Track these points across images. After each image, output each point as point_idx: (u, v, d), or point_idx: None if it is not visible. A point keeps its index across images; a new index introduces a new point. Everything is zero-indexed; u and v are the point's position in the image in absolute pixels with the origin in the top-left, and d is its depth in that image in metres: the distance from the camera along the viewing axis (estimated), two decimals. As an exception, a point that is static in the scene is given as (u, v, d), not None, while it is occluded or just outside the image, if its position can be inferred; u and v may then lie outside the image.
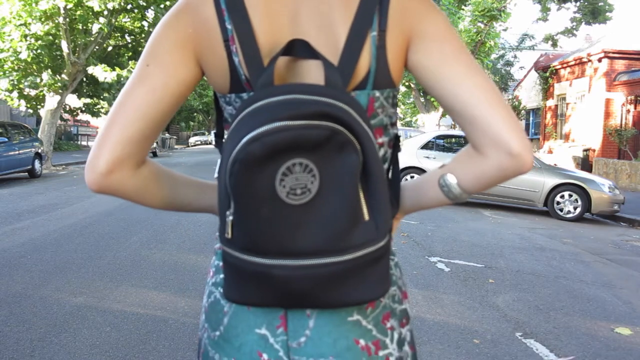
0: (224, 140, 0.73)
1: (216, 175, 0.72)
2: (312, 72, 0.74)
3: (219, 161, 0.70)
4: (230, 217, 0.66)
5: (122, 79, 15.47)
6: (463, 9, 19.57)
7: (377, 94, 0.76)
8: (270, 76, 0.68)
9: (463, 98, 0.73)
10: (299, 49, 0.70)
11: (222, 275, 0.79)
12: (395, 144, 0.83)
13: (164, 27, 0.77)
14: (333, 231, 0.65)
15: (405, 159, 10.04)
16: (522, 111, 23.56)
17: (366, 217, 0.67)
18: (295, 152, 0.62)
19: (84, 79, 18.46)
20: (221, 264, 0.78)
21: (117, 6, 14.33)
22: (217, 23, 0.74)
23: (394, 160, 0.82)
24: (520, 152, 0.70)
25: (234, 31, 0.73)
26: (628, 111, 16.99)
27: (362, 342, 0.76)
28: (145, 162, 0.78)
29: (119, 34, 18.52)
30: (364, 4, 0.73)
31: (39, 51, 14.41)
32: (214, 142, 0.85)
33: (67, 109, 24.09)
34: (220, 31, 0.74)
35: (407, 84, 19.90)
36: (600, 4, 16.09)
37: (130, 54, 19.67)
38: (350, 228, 0.65)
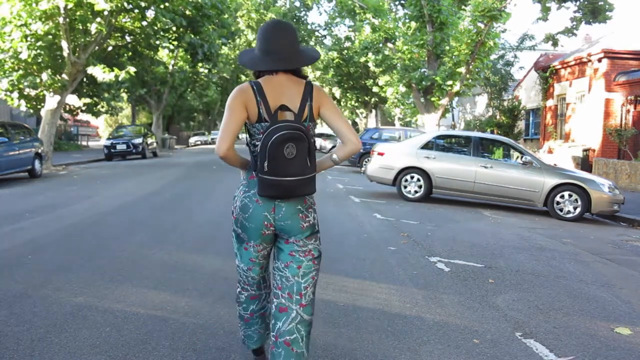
0: (259, 140, 2.14)
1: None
2: (288, 116, 2.14)
3: (255, 148, 2.19)
4: (266, 163, 2.06)
5: (119, 79, 15.48)
6: (463, 9, 19.55)
7: (310, 123, 2.20)
8: (277, 117, 2.13)
9: (338, 127, 2.24)
10: (284, 108, 2.14)
11: (251, 192, 2.21)
12: (314, 143, 2.16)
13: (234, 98, 2.15)
14: (300, 168, 2.10)
15: (405, 160, 10.05)
16: (522, 111, 23.55)
17: (309, 164, 2.12)
18: (289, 141, 2.06)
19: (84, 79, 18.46)
20: (246, 189, 2.23)
21: (114, 7, 14.30)
22: (253, 97, 2.14)
23: (314, 149, 2.14)
24: (357, 142, 2.23)
25: (260, 100, 2.14)
26: (628, 111, 16.98)
27: (301, 215, 2.20)
28: (233, 147, 2.16)
29: (119, 34, 18.49)
30: (305, 93, 2.18)
31: (39, 51, 14.39)
32: (247, 143, 2.28)
33: (67, 109, 24.08)
34: (255, 100, 2.14)
35: (407, 83, 19.89)
36: (600, 3, 16.08)
37: (130, 54, 19.64)
38: (305, 167, 2.11)
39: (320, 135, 34.08)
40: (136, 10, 15.86)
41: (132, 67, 16.19)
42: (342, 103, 38.32)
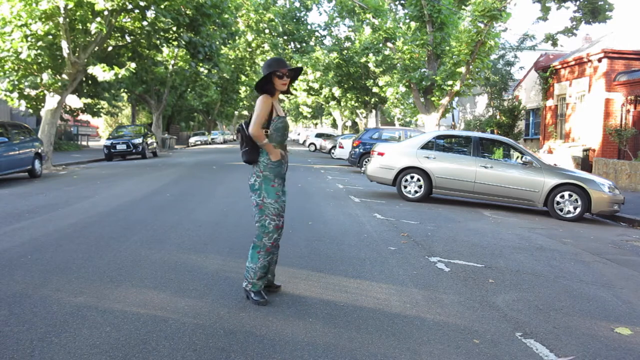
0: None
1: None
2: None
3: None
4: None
5: (119, 76, 15.47)
6: (463, 9, 19.54)
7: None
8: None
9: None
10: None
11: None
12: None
13: (264, 102, 3.69)
14: (242, 146, 3.82)
15: (405, 160, 10.05)
16: (522, 111, 23.54)
17: (244, 144, 3.80)
18: (238, 132, 3.91)
19: (84, 79, 18.45)
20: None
21: (114, 7, 14.29)
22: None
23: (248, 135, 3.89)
24: (251, 131, 3.66)
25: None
26: (628, 111, 16.99)
27: (249, 176, 3.84)
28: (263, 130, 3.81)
29: (119, 34, 18.48)
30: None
31: (39, 51, 14.38)
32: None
33: (68, 110, 24.07)
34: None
35: (407, 83, 19.89)
36: (600, 3, 16.04)
37: (130, 54, 19.64)
38: (242, 146, 3.83)
39: (321, 136, 34.34)
40: (136, 10, 15.85)
41: (133, 64, 16.19)
42: (342, 103, 38.34)
